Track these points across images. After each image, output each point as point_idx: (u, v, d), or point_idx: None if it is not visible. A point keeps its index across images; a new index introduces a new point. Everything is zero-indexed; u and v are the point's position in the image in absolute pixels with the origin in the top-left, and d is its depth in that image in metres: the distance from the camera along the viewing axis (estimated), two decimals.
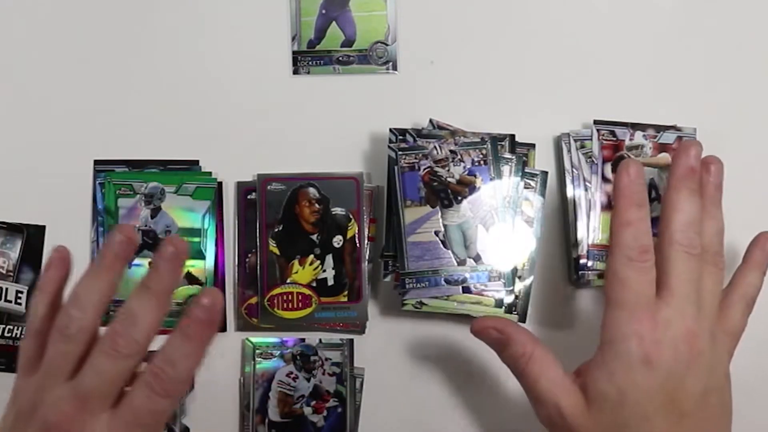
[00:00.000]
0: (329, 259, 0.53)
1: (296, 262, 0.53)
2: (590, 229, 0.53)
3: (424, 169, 0.51)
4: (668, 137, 0.54)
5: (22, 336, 0.41)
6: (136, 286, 0.38)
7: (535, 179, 0.53)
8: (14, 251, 0.54)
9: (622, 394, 0.39)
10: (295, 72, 0.56)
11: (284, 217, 0.53)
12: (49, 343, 0.38)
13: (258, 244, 0.53)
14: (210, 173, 0.55)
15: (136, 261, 0.53)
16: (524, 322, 0.52)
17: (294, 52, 0.56)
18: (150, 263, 0.38)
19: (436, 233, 0.51)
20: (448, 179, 0.51)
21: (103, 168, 0.55)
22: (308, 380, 0.53)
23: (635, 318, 0.40)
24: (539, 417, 0.43)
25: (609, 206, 0.53)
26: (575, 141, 0.54)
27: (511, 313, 0.51)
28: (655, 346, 0.39)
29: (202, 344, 0.38)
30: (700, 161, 0.43)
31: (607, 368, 0.40)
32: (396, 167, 0.51)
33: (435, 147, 0.52)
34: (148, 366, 0.37)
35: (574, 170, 0.54)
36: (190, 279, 0.53)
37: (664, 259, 0.41)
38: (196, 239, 0.54)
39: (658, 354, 0.39)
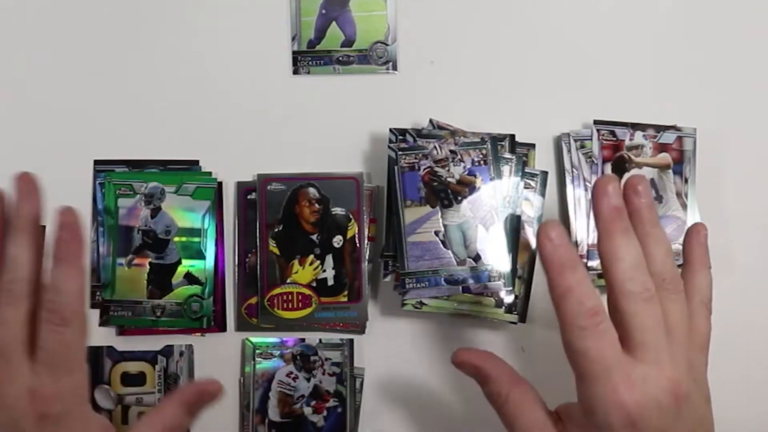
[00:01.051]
0: (329, 259, 0.53)
1: (296, 262, 0.53)
2: (590, 229, 0.53)
3: (424, 169, 0.51)
4: (668, 137, 0.54)
5: None
6: (8, 235, 0.40)
7: (535, 179, 0.53)
8: None
9: None
10: (295, 72, 0.56)
11: (284, 217, 0.53)
12: None
13: (258, 244, 0.53)
14: (210, 173, 0.55)
15: (136, 261, 0.53)
16: (524, 322, 0.52)
17: (294, 52, 0.56)
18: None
19: (436, 233, 0.51)
20: (448, 179, 0.51)
21: (103, 168, 0.55)
22: (308, 380, 0.53)
23: (609, 387, 0.36)
24: None
25: None
26: (575, 141, 0.54)
27: (511, 313, 0.51)
28: (637, 409, 0.36)
29: (76, 261, 0.39)
30: (621, 192, 0.39)
31: None
32: (396, 167, 0.51)
33: (435, 147, 0.52)
34: (44, 303, 0.39)
35: (574, 170, 0.54)
36: (190, 279, 0.53)
37: (621, 314, 0.38)
38: (196, 239, 0.54)
39: (642, 416, 0.36)
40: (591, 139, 0.54)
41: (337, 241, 0.53)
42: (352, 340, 0.53)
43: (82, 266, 0.40)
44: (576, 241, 0.53)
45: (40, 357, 0.38)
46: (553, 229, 0.38)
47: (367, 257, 0.53)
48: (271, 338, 0.53)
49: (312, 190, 0.53)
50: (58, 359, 0.38)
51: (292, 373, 0.53)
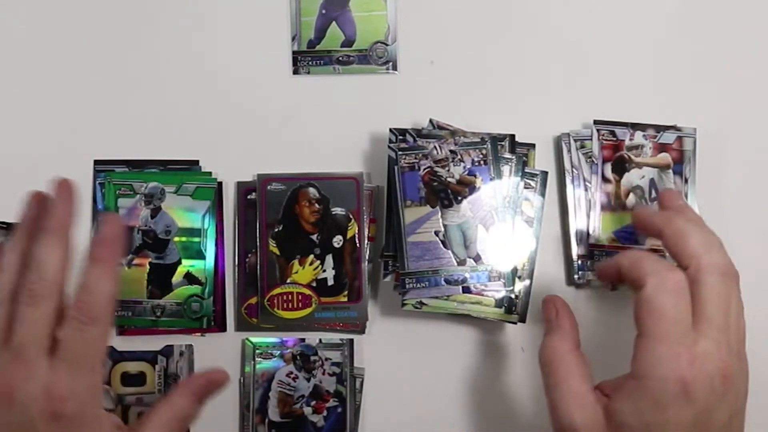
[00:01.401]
0: (329, 259, 0.53)
1: (296, 262, 0.53)
2: (590, 230, 0.53)
3: (424, 169, 0.51)
4: (668, 137, 0.54)
5: None
6: (36, 235, 0.41)
7: (535, 179, 0.53)
8: None
9: (648, 429, 0.38)
10: (295, 72, 0.56)
11: (284, 217, 0.53)
12: None
13: (258, 244, 0.53)
14: (210, 173, 0.55)
15: (136, 261, 0.53)
16: (524, 322, 0.52)
17: (294, 52, 0.56)
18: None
19: (436, 233, 0.51)
20: (448, 179, 0.51)
21: (103, 168, 0.55)
22: (308, 380, 0.53)
23: (673, 353, 0.37)
24: (552, 425, 0.41)
25: (609, 206, 0.54)
26: (575, 141, 0.54)
27: (511, 313, 0.51)
28: (692, 383, 0.37)
29: (111, 263, 0.40)
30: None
31: (637, 403, 0.38)
32: (396, 167, 0.51)
33: (435, 147, 0.52)
34: (74, 302, 0.39)
35: (574, 170, 0.54)
36: (190, 279, 0.53)
37: (698, 286, 0.39)
38: (196, 239, 0.54)
39: (695, 391, 0.37)
40: (591, 139, 0.54)
41: (337, 241, 0.53)
42: (352, 340, 0.53)
43: (116, 269, 0.40)
44: (576, 242, 0.53)
45: (62, 354, 0.38)
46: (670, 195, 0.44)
47: (367, 257, 0.53)
48: (271, 338, 0.53)
49: (312, 190, 0.53)
50: (80, 357, 0.38)
51: (292, 373, 0.53)
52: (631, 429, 0.38)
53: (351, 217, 0.53)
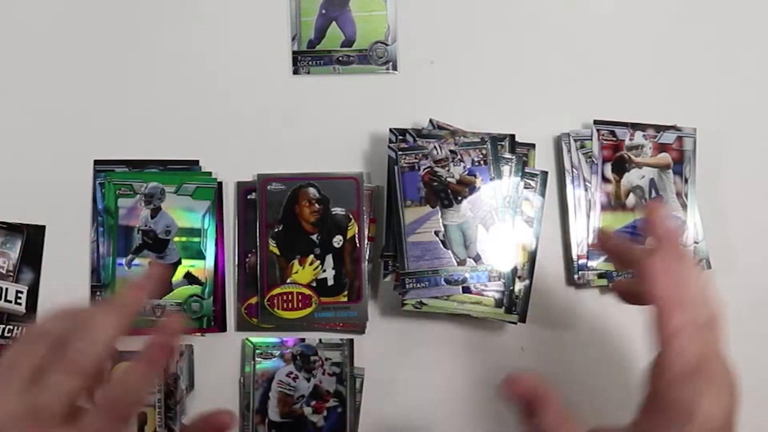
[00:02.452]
0: (329, 259, 0.53)
1: (296, 262, 0.53)
2: (590, 229, 0.53)
3: (424, 169, 0.51)
4: (668, 137, 0.54)
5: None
6: (98, 308, 0.39)
7: (535, 179, 0.53)
8: (14, 251, 0.54)
9: None
10: (295, 72, 0.56)
11: (284, 217, 0.53)
12: (23, 345, 0.38)
13: (258, 244, 0.53)
14: (210, 173, 0.55)
15: (136, 261, 0.53)
16: (524, 322, 0.52)
17: (294, 52, 0.56)
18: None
19: (436, 233, 0.51)
20: (448, 179, 0.51)
21: (103, 168, 0.55)
22: (308, 380, 0.53)
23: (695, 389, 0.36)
24: None
25: (609, 206, 0.54)
26: (575, 141, 0.54)
27: (511, 313, 0.51)
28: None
29: (155, 370, 0.40)
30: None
31: None
32: (396, 167, 0.51)
33: (435, 147, 0.52)
34: (106, 390, 0.38)
35: (574, 170, 0.54)
36: (190, 279, 0.53)
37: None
38: (196, 239, 0.54)
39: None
40: (591, 139, 0.54)
41: (337, 241, 0.53)
42: (352, 340, 0.53)
43: (159, 373, 0.40)
44: (576, 242, 0.53)
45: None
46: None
47: (367, 257, 0.53)
48: (271, 338, 0.53)
49: (312, 190, 0.53)
50: None
51: (292, 373, 0.53)
52: None
53: (351, 217, 0.53)
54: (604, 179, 0.54)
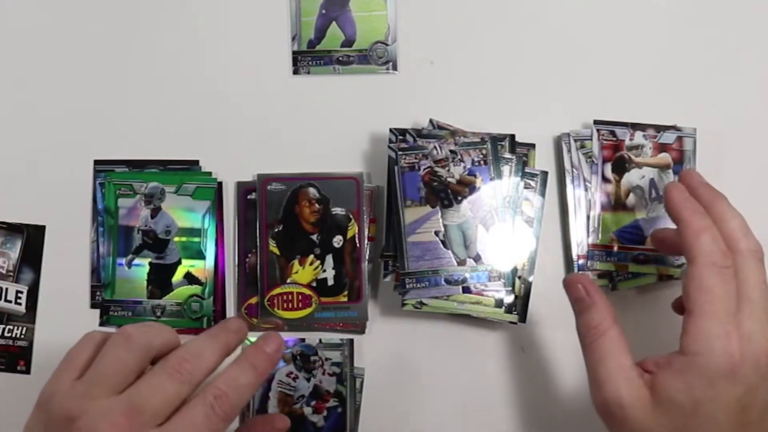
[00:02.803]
0: (329, 259, 0.53)
1: (296, 262, 0.53)
2: (590, 229, 0.53)
3: (424, 169, 0.51)
4: (668, 137, 0.54)
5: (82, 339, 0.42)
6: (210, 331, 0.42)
7: (535, 179, 0.53)
8: (14, 251, 0.54)
9: (697, 405, 0.38)
10: (295, 72, 0.56)
11: (284, 217, 0.53)
12: (107, 349, 0.39)
13: (258, 244, 0.53)
14: (210, 173, 0.55)
15: (136, 261, 0.53)
16: (524, 322, 0.52)
17: (294, 52, 0.56)
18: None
19: (436, 233, 0.51)
20: (448, 179, 0.51)
21: (103, 168, 0.55)
22: (308, 380, 0.53)
23: (723, 330, 0.38)
24: (594, 401, 0.41)
25: (609, 206, 0.54)
26: (575, 141, 0.54)
27: (511, 313, 0.51)
28: (741, 361, 0.38)
29: (263, 378, 0.41)
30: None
31: (686, 379, 0.38)
32: (396, 167, 0.51)
33: (435, 147, 0.52)
34: (210, 387, 0.38)
35: (574, 170, 0.54)
36: (190, 279, 0.53)
37: (737, 270, 0.40)
38: (196, 239, 0.54)
39: (743, 370, 0.38)
40: (591, 139, 0.54)
41: (337, 241, 0.53)
42: (352, 340, 0.53)
43: (263, 377, 0.41)
44: (576, 241, 0.53)
45: (177, 429, 0.37)
46: (676, 186, 0.43)
47: (367, 257, 0.53)
48: None
49: (312, 190, 0.53)
50: None
51: (292, 373, 0.53)
52: (679, 404, 0.38)
53: (351, 217, 0.53)
54: (604, 179, 0.54)
